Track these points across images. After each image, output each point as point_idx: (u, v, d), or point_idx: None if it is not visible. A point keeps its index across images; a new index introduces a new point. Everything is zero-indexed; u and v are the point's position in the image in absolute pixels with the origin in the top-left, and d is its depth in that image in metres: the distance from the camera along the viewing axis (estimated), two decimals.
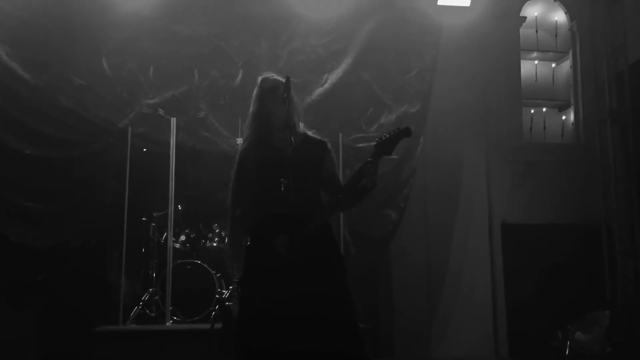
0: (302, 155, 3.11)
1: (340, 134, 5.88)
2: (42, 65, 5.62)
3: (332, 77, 6.16)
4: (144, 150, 5.79)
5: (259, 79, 3.36)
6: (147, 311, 5.51)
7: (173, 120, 5.57)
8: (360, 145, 6.10)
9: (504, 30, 7.11)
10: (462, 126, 6.80)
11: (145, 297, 5.57)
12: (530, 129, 7.25)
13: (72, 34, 5.70)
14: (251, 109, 3.30)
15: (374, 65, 6.34)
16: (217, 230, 5.96)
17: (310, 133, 3.34)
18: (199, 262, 5.72)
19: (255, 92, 3.31)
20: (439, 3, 6.46)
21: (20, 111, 5.54)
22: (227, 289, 5.59)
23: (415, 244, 6.59)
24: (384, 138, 3.19)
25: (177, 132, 5.61)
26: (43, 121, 5.56)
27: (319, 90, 6.09)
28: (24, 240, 5.46)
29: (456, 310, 6.62)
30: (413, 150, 6.30)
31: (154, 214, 5.90)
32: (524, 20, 7.26)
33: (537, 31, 7.38)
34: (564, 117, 7.50)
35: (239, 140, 5.63)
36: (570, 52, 7.45)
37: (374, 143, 3.17)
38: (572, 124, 7.40)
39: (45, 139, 5.56)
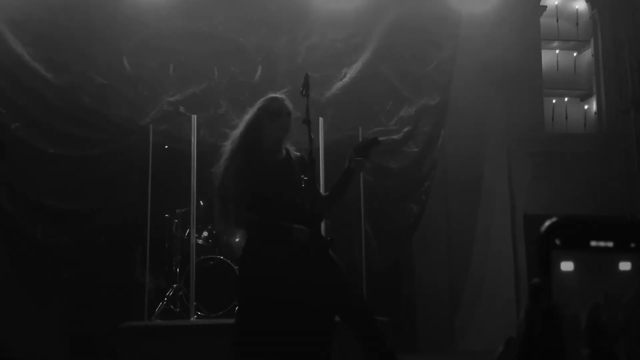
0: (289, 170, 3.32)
1: (360, 128, 5.87)
2: (64, 65, 5.69)
3: (351, 72, 6.16)
4: (166, 147, 5.84)
5: (268, 97, 3.44)
6: (172, 307, 5.55)
7: (194, 118, 5.61)
8: (380, 139, 6.08)
9: (524, 20, 7.04)
10: (483, 117, 6.77)
11: (170, 292, 5.62)
12: (552, 119, 7.20)
13: (93, 34, 5.77)
14: (247, 121, 3.40)
15: (393, 58, 6.32)
16: None
17: (291, 149, 3.47)
18: (221, 257, 5.76)
19: (257, 110, 3.40)
20: None
21: (43, 111, 5.62)
22: None
23: (437, 237, 6.58)
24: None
25: (198, 128, 5.63)
26: (66, 121, 5.64)
27: (338, 85, 6.10)
28: (50, 238, 5.54)
29: (479, 302, 6.61)
30: (434, 142, 6.28)
31: (177, 211, 5.94)
32: (545, 10, 7.20)
33: (557, 20, 7.31)
34: (586, 107, 7.42)
35: None
36: (592, 41, 7.37)
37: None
38: (595, 113, 7.32)
39: (69, 138, 5.64)
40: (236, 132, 3.42)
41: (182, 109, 5.77)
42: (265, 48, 6.10)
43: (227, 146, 3.38)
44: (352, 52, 6.24)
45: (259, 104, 3.42)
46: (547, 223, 0.77)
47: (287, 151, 3.43)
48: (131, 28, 5.83)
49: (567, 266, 0.75)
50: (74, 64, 5.72)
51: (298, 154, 3.45)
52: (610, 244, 0.75)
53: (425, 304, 6.48)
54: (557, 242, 0.76)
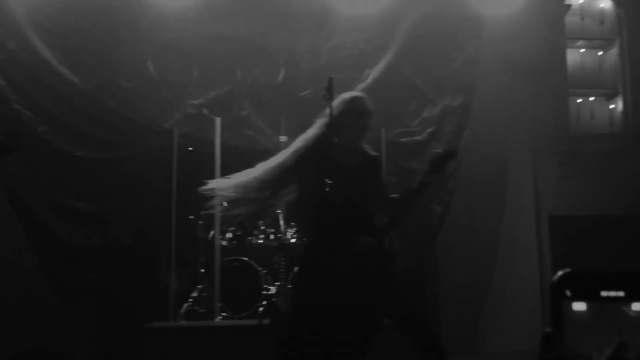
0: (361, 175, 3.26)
1: (383, 129, 5.87)
2: (90, 69, 5.77)
3: (374, 73, 6.15)
4: (190, 149, 5.90)
5: (349, 97, 3.32)
6: (197, 308, 5.59)
7: (217, 120, 5.65)
8: (403, 140, 6.09)
9: (548, 19, 6.97)
10: (507, 118, 6.71)
11: (194, 293, 5.66)
12: (578, 119, 7.12)
13: (118, 38, 5.84)
14: (323, 122, 3.27)
15: (415, 59, 6.31)
16: (263, 227, 6.01)
17: (368, 149, 3.39)
18: (245, 259, 5.78)
19: (335, 110, 3.25)
20: None
21: (70, 114, 5.71)
22: (273, 285, 5.65)
23: (461, 238, 6.54)
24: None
25: (222, 131, 5.68)
26: (92, 124, 5.72)
27: (361, 86, 6.07)
28: (76, 240, 5.62)
29: (504, 303, 6.56)
30: (457, 143, 6.25)
31: (201, 213, 5.98)
32: (569, 8, 7.12)
33: (582, 19, 7.24)
34: (612, 106, 7.34)
35: (283, 138, 5.67)
36: (617, 39, 7.28)
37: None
38: (621, 112, 7.24)
39: (95, 141, 5.72)
40: (309, 133, 3.28)
41: (205, 111, 5.81)
42: (288, 50, 6.12)
43: (297, 146, 3.28)
44: (375, 53, 6.23)
45: (338, 104, 3.27)
46: (559, 274, 0.78)
47: (364, 152, 3.34)
48: (155, 32, 5.89)
49: (579, 306, 0.76)
50: (99, 68, 5.80)
51: (374, 154, 3.37)
52: (621, 294, 0.76)
53: (448, 304, 6.45)
54: (568, 293, 0.77)
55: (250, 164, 5.81)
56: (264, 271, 5.77)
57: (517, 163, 6.79)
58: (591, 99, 7.29)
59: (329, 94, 3.14)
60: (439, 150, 3.35)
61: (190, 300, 5.57)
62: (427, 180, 3.20)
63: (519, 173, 6.78)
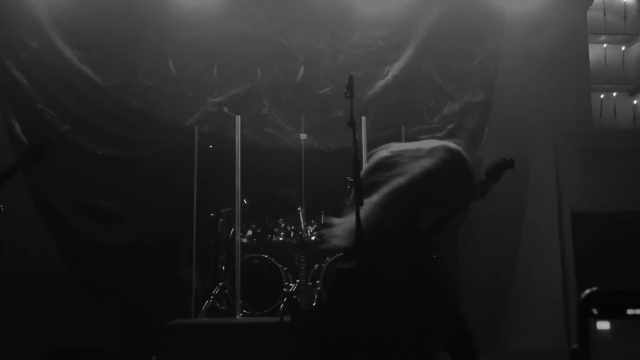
0: None
1: (403, 126, 5.86)
2: (111, 68, 5.83)
3: (394, 69, 6.13)
4: (210, 147, 5.93)
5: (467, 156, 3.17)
6: (218, 305, 5.63)
7: (238, 118, 5.67)
8: (423, 137, 6.05)
9: (570, 14, 6.90)
10: (529, 114, 6.65)
11: (216, 291, 5.70)
12: (600, 114, 7.05)
13: (138, 37, 5.89)
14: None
15: (435, 55, 6.28)
16: (283, 225, 6.03)
17: None
18: (266, 256, 5.81)
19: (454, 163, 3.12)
20: None
21: (92, 113, 5.77)
22: (293, 282, 5.67)
23: (482, 235, 6.50)
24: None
25: (242, 129, 5.70)
26: (114, 122, 5.78)
27: (381, 83, 6.09)
28: (100, 238, 5.68)
29: (526, 301, 6.51)
30: (478, 140, 6.22)
31: (222, 210, 6.02)
32: (591, 3, 7.04)
33: (605, 14, 7.16)
34: (635, 102, 7.25)
35: (303, 136, 5.69)
36: None
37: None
38: None
39: (117, 139, 5.78)
40: (418, 171, 3.04)
41: (226, 109, 5.84)
42: (307, 47, 6.12)
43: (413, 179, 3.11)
44: (395, 50, 6.21)
45: (456, 158, 3.11)
46: (586, 292, 0.79)
47: None
48: (176, 31, 5.92)
49: (603, 325, 0.78)
50: (120, 66, 5.85)
51: None
52: None
53: (469, 301, 6.41)
54: (595, 311, 0.78)
55: (270, 162, 5.89)
56: (285, 268, 5.79)
57: (539, 159, 6.73)
58: (614, 94, 7.20)
59: (350, 91, 3.12)
60: (500, 160, 3.20)
61: (211, 297, 5.61)
62: (481, 189, 3.12)
63: (541, 169, 6.72)
